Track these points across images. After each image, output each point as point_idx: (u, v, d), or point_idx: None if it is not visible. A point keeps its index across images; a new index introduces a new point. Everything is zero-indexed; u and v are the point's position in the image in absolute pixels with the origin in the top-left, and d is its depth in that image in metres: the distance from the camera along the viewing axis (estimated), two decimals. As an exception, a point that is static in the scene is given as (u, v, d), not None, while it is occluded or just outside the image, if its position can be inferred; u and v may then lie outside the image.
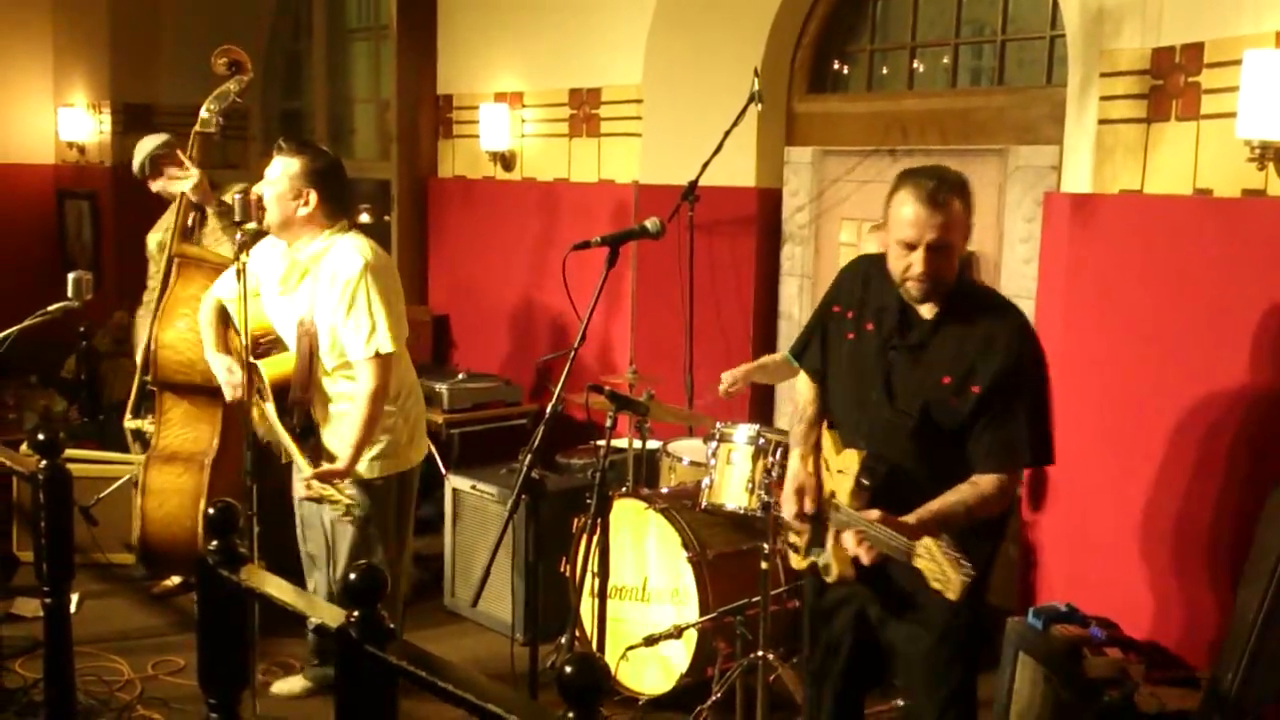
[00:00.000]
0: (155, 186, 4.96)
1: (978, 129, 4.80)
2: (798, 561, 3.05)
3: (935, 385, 2.72)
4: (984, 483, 2.69)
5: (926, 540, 2.45)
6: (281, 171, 3.60)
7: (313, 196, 3.59)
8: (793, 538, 3.06)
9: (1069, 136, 4.19)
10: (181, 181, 4.71)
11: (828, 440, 2.95)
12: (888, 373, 2.79)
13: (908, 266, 2.68)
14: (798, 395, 3.12)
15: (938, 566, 2.42)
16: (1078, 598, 3.83)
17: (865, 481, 2.75)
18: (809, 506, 2.91)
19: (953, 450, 2.72)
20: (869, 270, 2.90)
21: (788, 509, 2.96)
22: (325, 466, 3.47)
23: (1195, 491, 3.71)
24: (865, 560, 2.65)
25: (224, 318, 3.92)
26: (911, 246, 2.66)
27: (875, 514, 2.65)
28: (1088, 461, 3.97)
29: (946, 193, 2.65)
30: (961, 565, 2.38)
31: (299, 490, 3.43)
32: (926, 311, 2.76)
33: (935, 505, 2.67)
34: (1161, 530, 3.78)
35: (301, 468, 3.48)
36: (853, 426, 2.87)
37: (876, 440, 2.79)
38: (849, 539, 2.67)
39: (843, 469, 2.83)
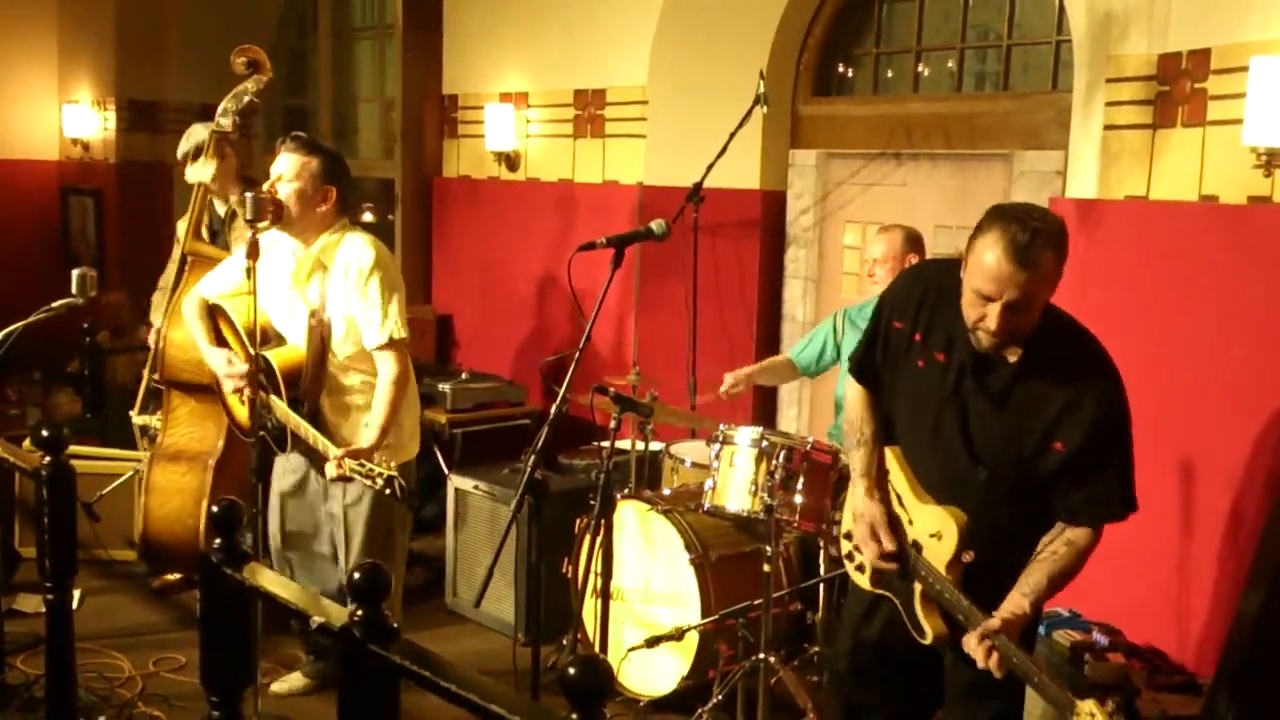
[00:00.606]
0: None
1: (983, 133, 4.79)
2: (864, 581, 2.81)
3: (1018, 439, 2.52)
4: (1080, 539, 2.53)
5: (1093, 706, 2.21)
6: (301, 168, 3.59)
7: (333, 194, 3.63)
8: (857, 556, 2.80)
9: (1074, 142, 4.19)
10: (200, 170, 4.66)
11: (896, 469, 2.73)
12: (963, 418, 2.57)
13: (981, 317, 2.44)
14: (849, 413, 2.88)
15: None
16: (1080, 603, 3.83)
17: (967, 559, 2.53)
18: (889, 544, 2.67)
19: (1041, 506, 2.56)
20: (936, 287, 2.64)
21: (870, 552, 2.71)
22: (353, 446, 3.46)
23: (1199, 497, 3.71)
24: (997, 674, 2.42)
25: (210, 315, 3.85)
26: (989, 299, 2.42)
27: (997, 623, 2.43)
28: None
29: (1039, 248, 2.37)
30: None
31: (330, 471, 3.42)
32: (1008, 353, 2.52)
33: (1044, 581, 2.50)
34: (1166, 536, 3.77)
35: (329, 449, 3.47)
36: (923, 465, 2.68)
37: (962, 493, 2.58)
38: (975, 649, 2.44)
39: (937, 532, 2.59)
